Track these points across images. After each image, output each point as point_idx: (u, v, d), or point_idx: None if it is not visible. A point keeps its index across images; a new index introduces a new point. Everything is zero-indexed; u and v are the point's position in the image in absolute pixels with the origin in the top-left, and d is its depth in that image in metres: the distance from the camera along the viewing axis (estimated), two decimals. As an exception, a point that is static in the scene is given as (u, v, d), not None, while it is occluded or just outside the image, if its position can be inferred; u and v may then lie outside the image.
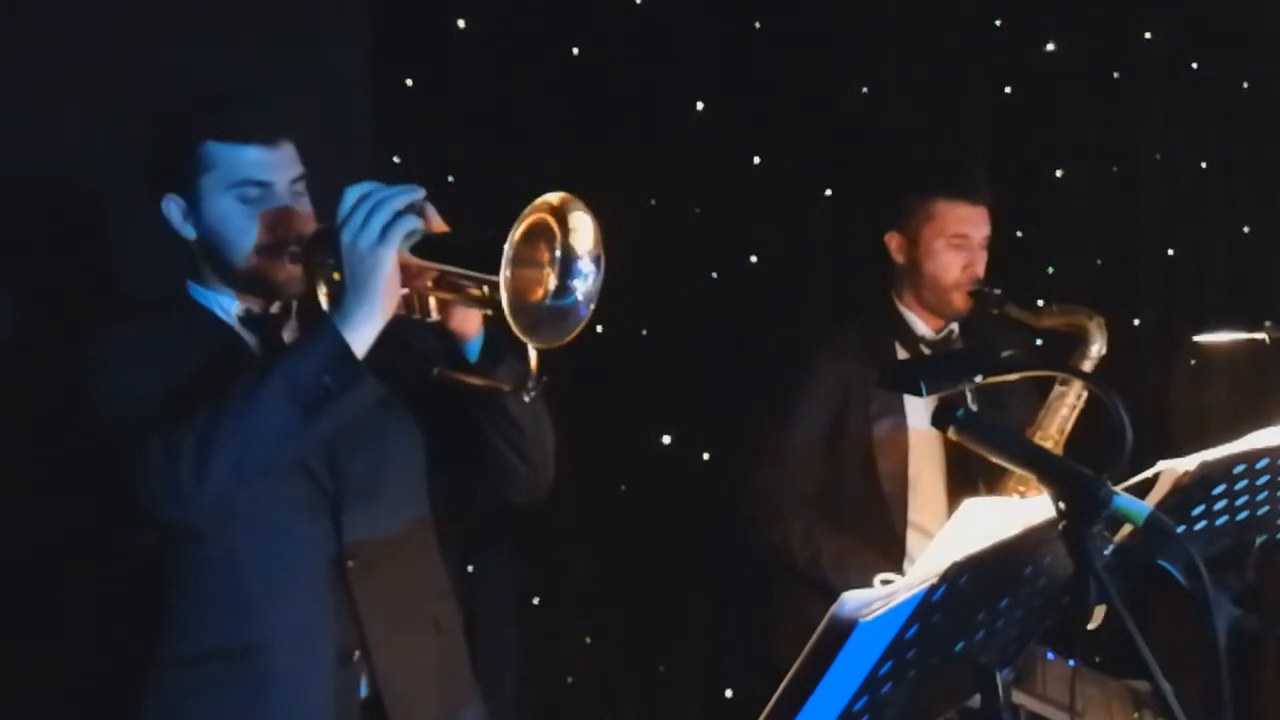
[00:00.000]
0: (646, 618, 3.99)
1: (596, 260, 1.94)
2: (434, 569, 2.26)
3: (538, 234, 1.88)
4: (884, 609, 1.41)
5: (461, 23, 3.72)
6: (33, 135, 2.57)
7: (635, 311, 3.79)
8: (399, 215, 1.91)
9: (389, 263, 1.90)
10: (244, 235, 2.07)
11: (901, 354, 3.13)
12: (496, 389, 2.05)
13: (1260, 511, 2.21)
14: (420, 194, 1.95)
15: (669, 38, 3.92)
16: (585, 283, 1.94)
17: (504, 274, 1.78)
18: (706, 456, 4.02)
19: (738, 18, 3.98)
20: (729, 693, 4.02)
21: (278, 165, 2.08)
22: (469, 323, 2.04)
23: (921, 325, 3.16)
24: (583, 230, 1.92)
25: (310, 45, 3.08)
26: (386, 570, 2.13)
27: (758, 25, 4.01)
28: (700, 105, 3.98)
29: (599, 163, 3.78)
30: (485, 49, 3.73)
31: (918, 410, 3.02)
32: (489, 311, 1.93)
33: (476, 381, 2.06)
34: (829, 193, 4.06)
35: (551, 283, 1.93)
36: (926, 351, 3.14)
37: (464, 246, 1.93)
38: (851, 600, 1.41)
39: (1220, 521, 2.16)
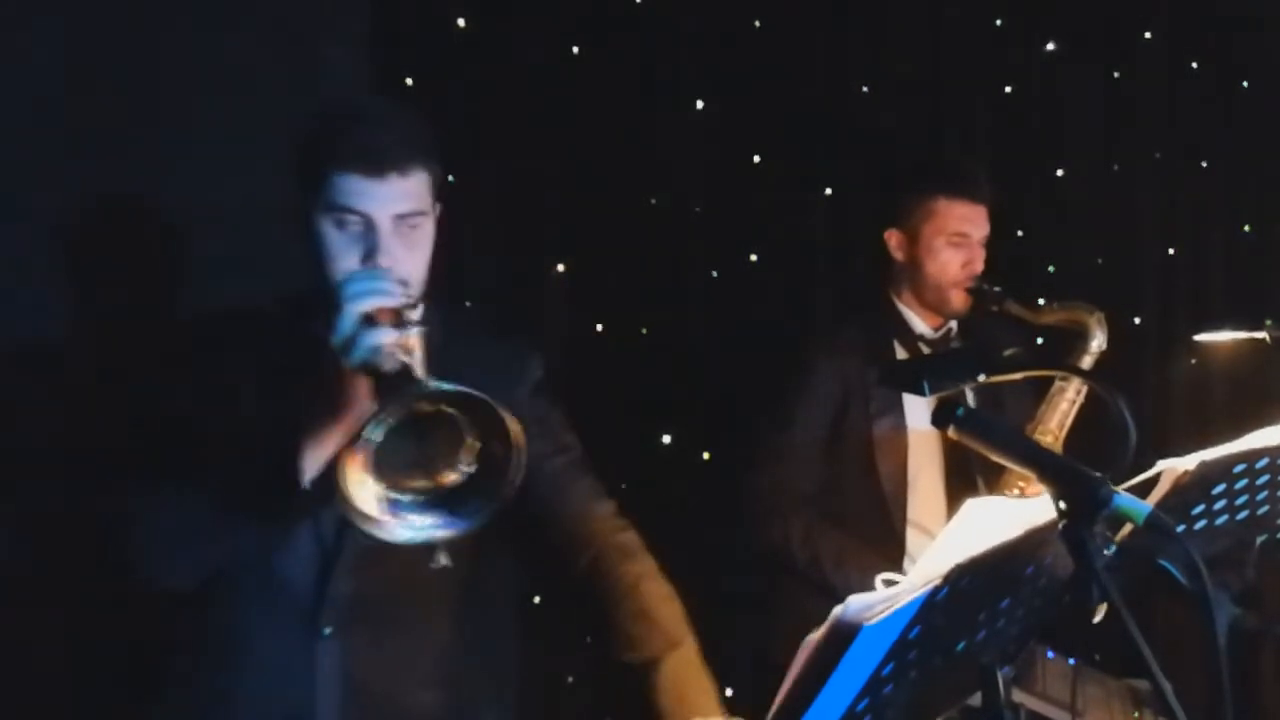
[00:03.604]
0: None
1: (453, 520, 1.68)
2: (440, 658, 2.13)
3: (464, 429, 1.66)
4: (888, 612, 1.41)
5: (461, 22, 3.72)
6: (29, 135, 2.57)
7: (635, 311, 3.79)
8: (363, 328, 1.74)
9: (344, 380, 1.76)
10: (334, 262, 1.94)
11: (900, 353, 3.13)
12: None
13: (1260, 511, 2.21)
14: (393, 300, 1.79)
15: (669, 37, 3.92)
16: (423, 521, 1.67)
17: (369, 434, 1.59)
18: (706, 456, 4.02)
19: (738, 17, 3.98)
20: (729, 692, 4.02)
21: (379, 198, 1.93)
22: None
23: (920, 324, 3.17)
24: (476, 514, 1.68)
25: (310, 45, 3.08)
26: (368, 647, 2.03)
27: (758, 24, 4.01)
28: (700, 104, 3.98)
29: (599, 162, 3.79)
30: (485, 49, 3.73)
31: (917, 409, 3.03)
32: None
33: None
34: (829, 192, 4.06)
35: (439, 483, 1.69)
36: (925, 350, 3.15)
37: (394, 384, 1.67)
38: (855, 603, 1.41)
39: (1220, 521, 2.16)
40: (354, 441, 1.61)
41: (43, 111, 2.59)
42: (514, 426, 1.63)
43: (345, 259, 1.94)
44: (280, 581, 1.99)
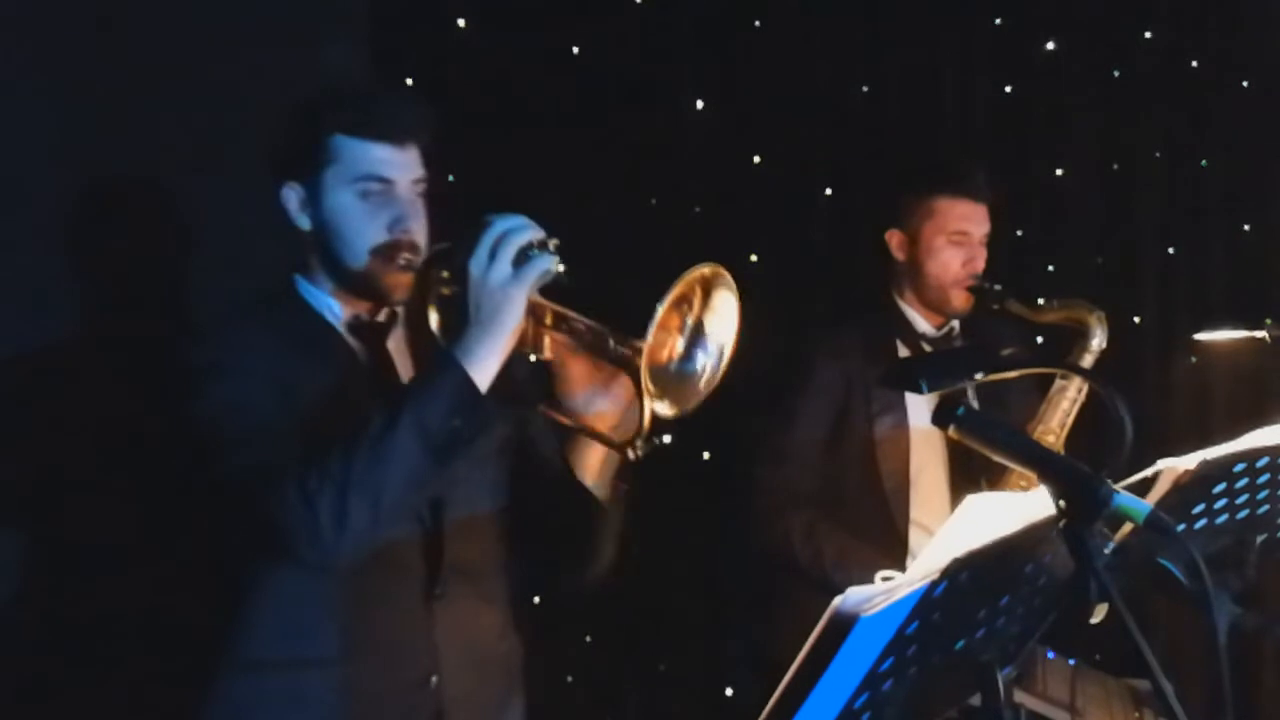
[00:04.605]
0: (646, 618, 3.99)
1: (726, 345, 1.92)
2: (509, 608, 2.24)
3: (678, 299, 1.87)
4: (885, 604, 1.41)
5: (461, 22, 3.73)
6: (28, 136, 2.57)
7: (635, 311, 3.78)
8: (534, 254, 1.89)
9: (520, 303, 1.89)
10: (359, 233, 2.04)
11: (902, 351, 3.13)
12: (604, 440, 2.02)
13: (1260, 510, 2.21)
14: (542, 233, 1.93)
15: (669, 37, 3.92)
16: (709, 358, 1.92)
17: (648, 339, 1.78)
18: (707, 456, 4.02)
19: (738, 17, 3.98)
20: (729, 692, 4.02)
21: (403, 165, 2.06)
22: (579, 365, 2.01)
23: (922, 322, 3.17)
24: (722, 312, 1.91)
25: (310, 45, 3.08)
26: (470, 603, 2.13)
27: (758, 25, 4.01)
28: (700, 104, 3.98)
29: (599, 162, 3.79)
30: (485, 48, 3.74)
31: (919, 408, 3.03)
32: (616, 365, 1.91)
33: (585, 425, 2.03)
34: (829, 192, 4.06)
35: (678, 348, 1.91)
36: (927, 349, 3.15)
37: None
38: (853, 595, 1.41)
39: (1220, 520, 2.16)
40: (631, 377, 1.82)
41: (41, 111, 2.58)
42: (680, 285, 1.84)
43: (371, 226, 2.04)
44: (392, 556, 2.03)
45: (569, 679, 3.96)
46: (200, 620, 2.15)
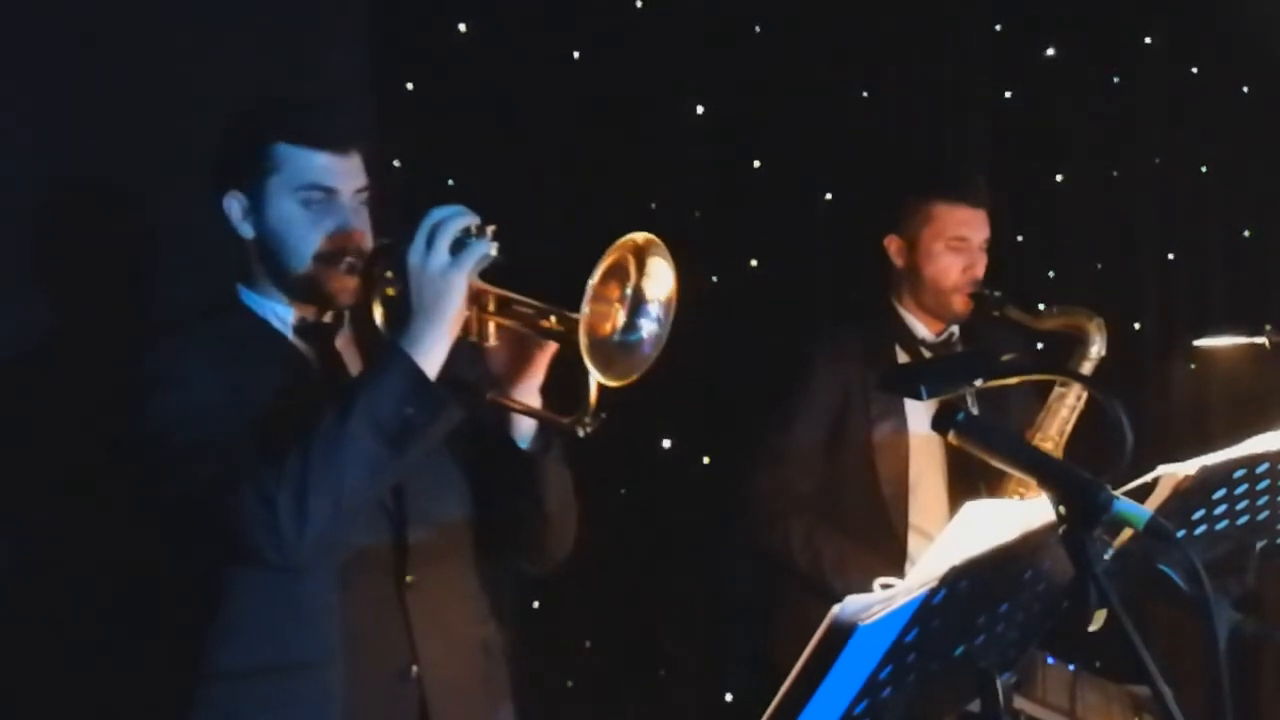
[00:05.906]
0: (646, 621, 3.99)
1: (666, 307, 1.93)
2: (481, 592, 2.23)
3: (613, 271, 1.88)
4: (884, 612, 1.41)
5: (462, 26, 3.73)
6: (26, 136, 2.57)
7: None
8: (470, 240, 1.91)
9: (461, 288, 1.90)
10: (304, 241, 2.06)
11: (902, 357, 3.13)
12: (552, 420, 2.03)
13: (1260, 516, 2.21)
14: (476, 220, 1.94)
15: (669, 40, 3.92)
16: (652, 324, 1.93)
17: (584, 310, 1.79)
18: (706, 460, 4.02)
19: (738, 20, 3.99)
20: (729, 696, 4.02)
21: (345, 174, 2.07)
22: (527, 349, 2.03)
23: (921, 328, 3.16)
24: (658, 277, 1.93)
25: (311, 48, 3.08)
26: (440, 589, 2.12)
27: (758, 29, 4.01)
28: (700, 108, 3.98)
29: (599, 166, 3.79)
30: (486, 52, 3.74)
31: (918, 413, 3.02)
32: (558, 342, 1.94)
33: (532, 407, 2.04)
34: (829, 196, 4.06)
35: (620, 319, 1.92)
36: (927, 354, 3.14)
37: (540, 277, 1.93)
38: (852, 603, 1.41)
39: (1220, 526, 2.16)
40: (572, 352, 1.83)
41: (40, 111, 2.58)
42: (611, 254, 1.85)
43: (314, 234, 2.05)
44: (359, 548, 2.04)
45: (569, 684, 3.96)
46: (177, 630, 2.13)
